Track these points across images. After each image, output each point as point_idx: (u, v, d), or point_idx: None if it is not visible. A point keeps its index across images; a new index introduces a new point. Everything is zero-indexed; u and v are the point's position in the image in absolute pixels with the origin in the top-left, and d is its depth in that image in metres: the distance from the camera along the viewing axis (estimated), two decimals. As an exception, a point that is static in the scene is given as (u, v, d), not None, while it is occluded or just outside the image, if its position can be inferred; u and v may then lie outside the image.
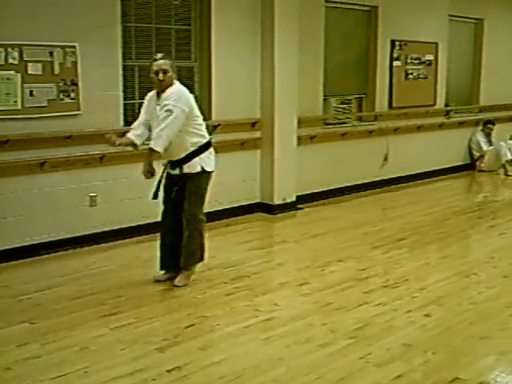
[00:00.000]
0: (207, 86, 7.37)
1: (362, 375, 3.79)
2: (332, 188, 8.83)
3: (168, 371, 3.80)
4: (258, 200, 7.99)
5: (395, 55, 9.56)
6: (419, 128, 10.08)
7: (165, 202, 5.33)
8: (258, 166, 7.96)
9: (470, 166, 11.21)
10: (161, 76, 5.03)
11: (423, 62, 10.07)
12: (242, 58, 7.62)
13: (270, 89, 7.73)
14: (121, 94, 6.60)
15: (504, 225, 7.63)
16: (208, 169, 5.23)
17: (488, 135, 11.18)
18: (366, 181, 9.36)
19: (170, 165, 5.24)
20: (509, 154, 10.87)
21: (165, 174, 5.29)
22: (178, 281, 5.26)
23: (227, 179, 7.41)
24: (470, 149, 11.26)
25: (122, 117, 6.61)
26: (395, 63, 9.60)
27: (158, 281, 5.35)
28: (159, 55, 5.16)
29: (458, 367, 3.88)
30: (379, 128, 9.45)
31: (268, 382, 3.71)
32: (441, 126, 10.55)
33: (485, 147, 11.07)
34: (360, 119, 9.40)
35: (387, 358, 4.01)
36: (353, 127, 9.14)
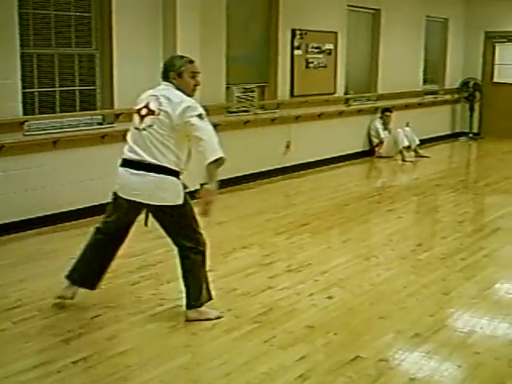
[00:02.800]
0: (109, 74, 7.27)
1: (267, 358, 3.88)
2: (236, 176, 8.90)
3: (73, 363, 3.77)
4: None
5: (296, 44, 9.72)
6: (320, 116, 10.28)
7: None
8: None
9: (369, 153, 11.53)
10: (199, 79, 4.45)
11: (323, 51, 10.27)
12: (144, 46, 7.55)
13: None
14: (19, 83, 6.43)
15: (401, 209, 7.93)
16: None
17: (386, 122, 11.52)
18: (269, 168, 9.49)
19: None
20: (405, 140, 11.24)
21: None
22: (189, 315, 4.43)
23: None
24: (369, 135, 11.59)
25: (20, 105, 6.43)
26: (296, 52, 9.75)
27: (61, 297, 4.61)
28: (186, 56, 4.51)
29: (359, 346, 4.04)
30: (281, 116, 9.59)
31: (174, 369, 3.75)
32: (341, 114, 10.80)
33: (383, 134, 11.40)
34: (262, 107, 9.51)
35: (291, 340, 4.12)
36: (255, 115, 9.24)
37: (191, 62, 4.40)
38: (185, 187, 4.39)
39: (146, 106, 4.28)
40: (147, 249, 5.98)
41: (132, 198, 4.33)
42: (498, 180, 9.36)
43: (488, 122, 14.04)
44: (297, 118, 9.85)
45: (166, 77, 4.36)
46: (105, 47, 7.25)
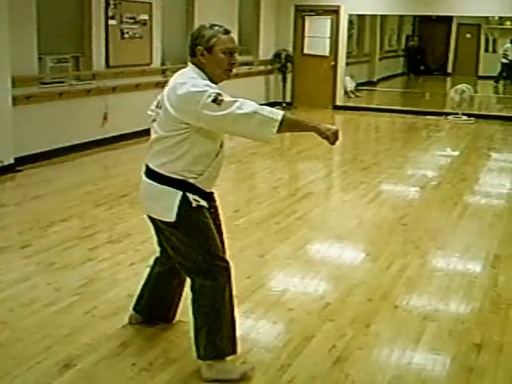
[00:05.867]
0: None
1: (89, 329, 3.91)
2: (53, 148, 8.67)
3: None
4: (-28, 164, 7.61)
5: (110, 14, 9.56)
6: (137, 86, 10.23)
7: None
8: (-29, 128, 7.56)
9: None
10: (236, 58, 3.38)
11: (138, 22, 10.20)
12: None
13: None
14: None
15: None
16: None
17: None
18: (87, 140, 9.31)
19: None
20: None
21: None
22: (203, 373, 3.43)
23: None
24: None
25: None
26: (110, 22, 9.60)
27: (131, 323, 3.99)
28: (222, 26, 3.38)
29: (179, 310, 4.16)
30: (97, 87, 9.43)
31: (-8, 347, 3.67)
32: (158, 85, 10.80)
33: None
34: (78, 78, 9.29)
35: (113, 309, 4.17)
36: (70, 86, 9.01)
37: (226, 32, 3.33)
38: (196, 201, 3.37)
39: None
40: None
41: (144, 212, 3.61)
42: (310, 147, 9.85)
43: (300, 92, 14.66)
44: (113, 89, 9.73)
45: (192, 54, 3.33)
46: None
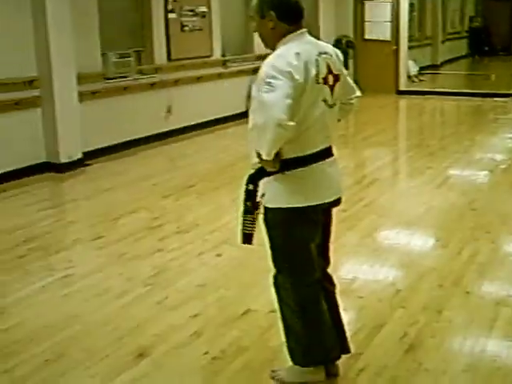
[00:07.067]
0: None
1: (160, 318, 3.96)
2: (119, 142, 8.82)
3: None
4: (43, 160, 7.78)
5: (169, 7, 9.63)
6: (199, 79, 10.30)
7: None
8: (40, 125, 7.74)
9: (246, 114, 11.61)
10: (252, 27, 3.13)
11: (197, 14, 10.24)
12: (10, 11, 7.27)
13: (44, 45, 7.49)
14: None
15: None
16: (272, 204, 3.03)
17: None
18: (151, 133, 9.43)
19: None
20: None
21: None
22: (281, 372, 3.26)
23: (5, 141, 7.17)
24: (248, 96, 11.69)
25: None
26: (170, 15, 9.68)
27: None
28: None
29: (249, 300, 4.18)
30: (160, 80, 9.53)
31: (64, 340, 3.75)
32: (220, 76, 10.86)
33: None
34: (140, 72, 9.41)
35: (183, 299, 4.21)
36: (134, 81, 9.14)
37: None
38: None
39: (331, 71, 3.01)
40: (33, 221, 5.88)
41: (332, 199, 3.13)
42: (374, 133, 9.75)
43: (362, 77, 14.44)
44: (176, 82, 9.81)
45: (301, 17, 3.05)
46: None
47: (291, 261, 3.09)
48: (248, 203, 3.03)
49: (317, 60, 2.93)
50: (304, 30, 3.04)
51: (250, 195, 3.03)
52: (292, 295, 3.08)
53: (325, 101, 2.97)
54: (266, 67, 2.87)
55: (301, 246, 3.07)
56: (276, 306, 3.23)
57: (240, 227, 3.09)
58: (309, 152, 2.96)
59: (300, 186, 2.98)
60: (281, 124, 2.73)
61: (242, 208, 3.05)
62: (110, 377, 3.35)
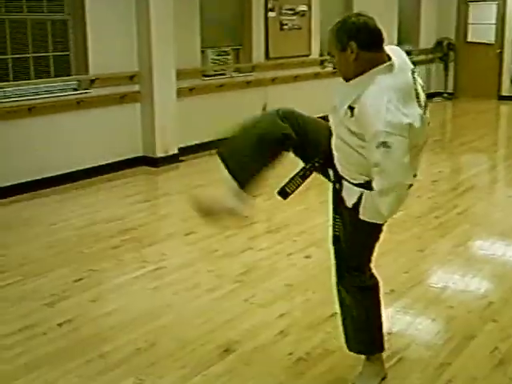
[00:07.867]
0: (82, 40, 7.22)
1: (248, 316, 3.99)
2: (213, 139, 8.90)
3: (58, 325, 3.85)
4: (140, 154, 7.99)
5: (269, 6, 9.69)
6: (296, 78, 10.30)
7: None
8: (139, 119, 7.94)
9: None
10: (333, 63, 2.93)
11: (297, 13, 10.26)
12: (116, 10, 7.51)
13: (146, 41, 7.69)
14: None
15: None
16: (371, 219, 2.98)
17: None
18: (246, 131, 9.49)
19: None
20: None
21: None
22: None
23: (107, 134, 7.40)
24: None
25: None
26: (270, 14, 9.73)
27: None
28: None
29: (336, 303, 4.15)
30: (257, 79, 9.60)
31: (157, 328, 3.85)
32: (317, 76, 10.83)
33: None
34: (238, 70, 9.51)
35: (271, 298, 4.23)
36: (231, 78, 9.25)
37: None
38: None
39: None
40: (127, 213, 6.05)
41: None
42: (473, 139, 9.49)
43: (462, 81, 14.14)
44: (273, 81, 9.86)
45: (382, 42, 2.79)
46: (77, 12, 7.18)
47: (368, 258, 3.30)
48: (308, 173, 3.10)
49: (414, 79, 2.75)
50: (391, 62, 2.75)
51: (316, 170, 3.11)
52: (368, 292, 3.28)
53: (428, 123, 2.87)
54: (375, 120, 2.59)
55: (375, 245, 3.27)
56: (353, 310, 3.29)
57: (286, 182, 3.16)
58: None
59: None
60: (407, 184, 2.75)
61: (299, 170, 3.12)
62: (198, 370, 3.40)
